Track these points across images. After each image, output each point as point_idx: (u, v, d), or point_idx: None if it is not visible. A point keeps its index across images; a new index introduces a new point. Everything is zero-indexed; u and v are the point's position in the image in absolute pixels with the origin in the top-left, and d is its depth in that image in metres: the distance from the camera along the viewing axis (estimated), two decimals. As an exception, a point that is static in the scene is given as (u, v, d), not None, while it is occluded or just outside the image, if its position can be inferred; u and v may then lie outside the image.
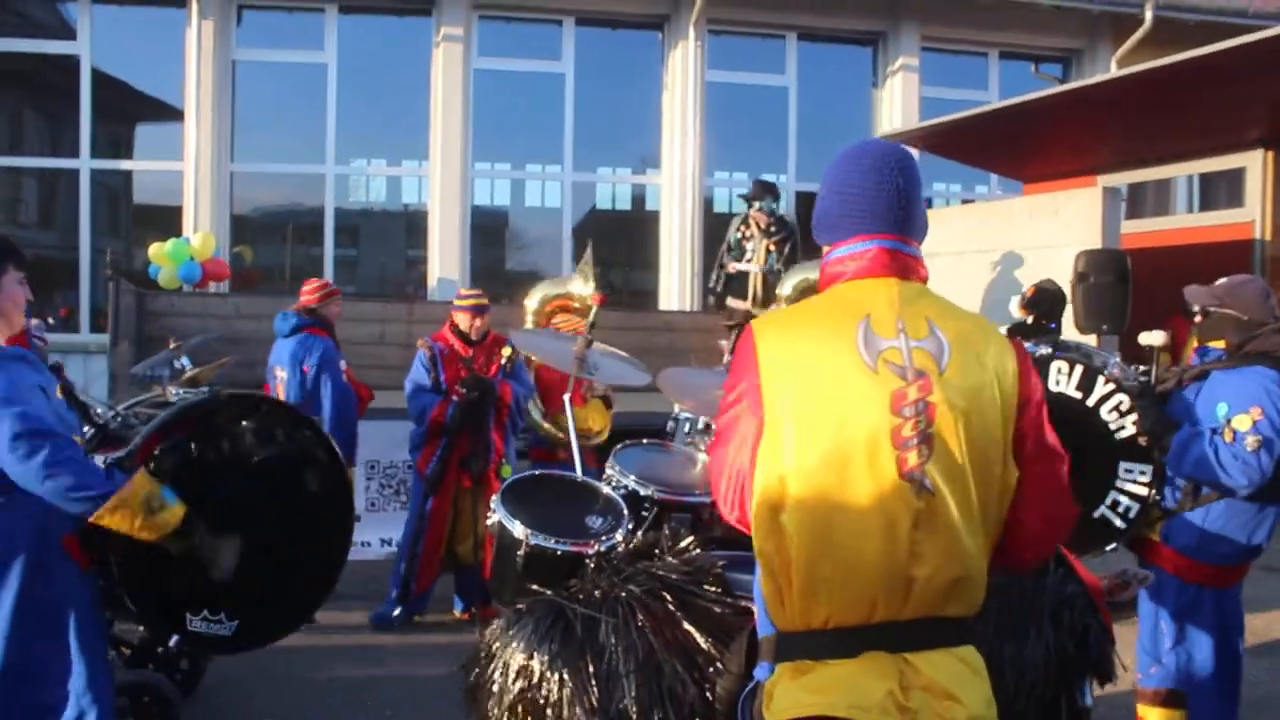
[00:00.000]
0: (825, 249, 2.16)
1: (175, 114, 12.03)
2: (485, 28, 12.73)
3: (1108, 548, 3.92)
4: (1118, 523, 3.84)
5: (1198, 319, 4.00)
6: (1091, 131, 10.42)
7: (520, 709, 2.74)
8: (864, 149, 2.13)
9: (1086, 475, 3.82)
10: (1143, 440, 3.78)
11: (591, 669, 2.68)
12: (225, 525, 3.64)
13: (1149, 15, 12.53)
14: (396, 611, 6.23)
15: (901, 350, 1.94)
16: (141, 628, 4.19)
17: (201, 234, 10.97)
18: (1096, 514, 3.86)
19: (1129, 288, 8.15)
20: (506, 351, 6.21)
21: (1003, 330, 4.22)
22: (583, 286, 8.35)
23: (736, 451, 2.02)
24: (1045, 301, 4.31)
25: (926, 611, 1.92)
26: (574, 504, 3.55)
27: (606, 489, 3.63)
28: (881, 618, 1.90)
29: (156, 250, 10.62)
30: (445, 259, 12.21)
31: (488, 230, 13.37)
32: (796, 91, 13.27)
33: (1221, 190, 11.23)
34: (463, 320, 6.38)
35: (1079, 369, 3.85)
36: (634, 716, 2.61)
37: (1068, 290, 8.53)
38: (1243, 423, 3.55)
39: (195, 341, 5.61)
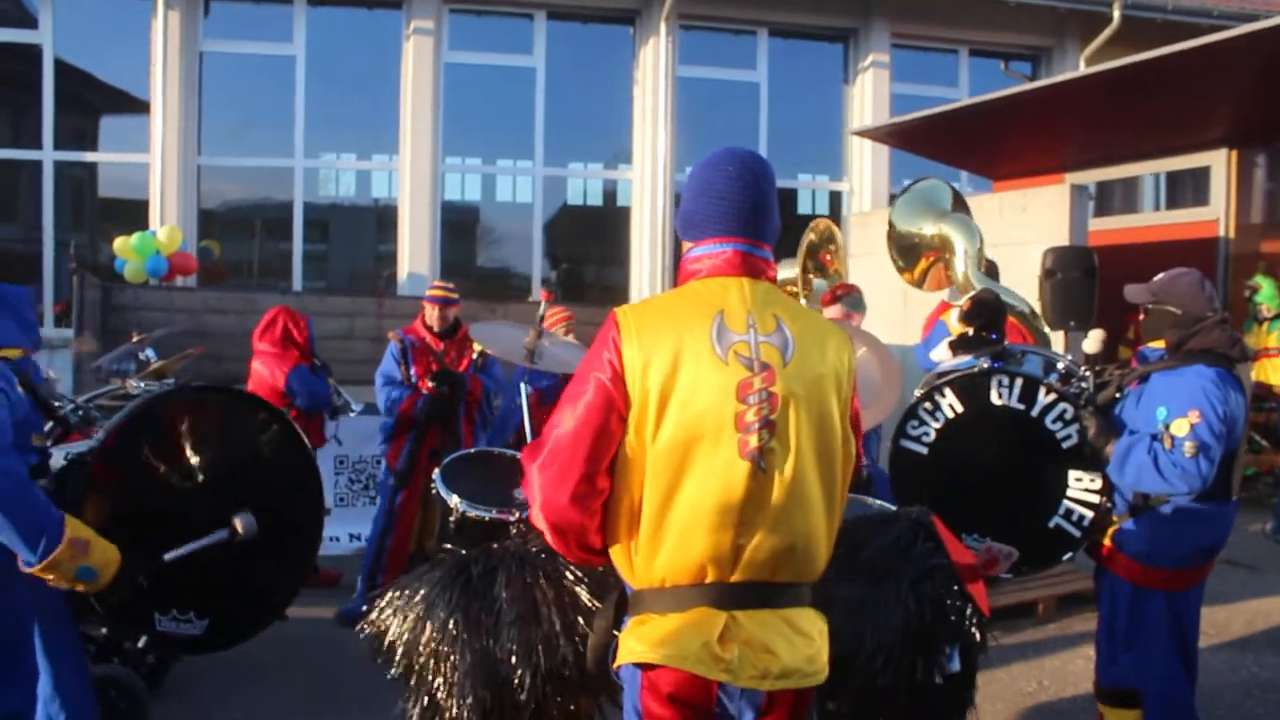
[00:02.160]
0: (687, 246, 2.37)
1: (141, 106, 11.89)
2: (456, 21, 12.66)
3: (1064, 557, 3.93)
4: (1073, 531, 3.85)
5: (1141, 318, 3.92)
6: (1060, 129, 10.49)
7: (422, 651, 3.04)
8: (730, 156, 2.34)
9: (1038, 486, 3.86)
10: (1087, 449, 3.77)
11: (482, 616, 2.98)
12: (192, 522, 3.58)
13: (1117, 14, 12.63)
14: (365, 607, 6.17)
15: (750, 344, 2.18)
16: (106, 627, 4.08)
17: (168, 228, 10.85)
18: (1051, 524, 3.86)
19: (1095, 284, 8.21)
20: (478, 346, 6.13)
21: (944, 344, 4.23)
22: (789, 270, 7.76)
23: (577, 431, 2.16)
24: (984, 313, 4.30)
25: (754, 576, 2.16)
26: (508, 478, 4.00)
27: None
28: (712, 579, 2.15)
29: (122, 244, 10.50)
30: (415, 254, 12.15)
31: (458, 225, 13.31)
32: (767, 87, 13.28)
33: (1189, 188, 11.35)
34: (429, 311, 6.29)
35: (1019, 382, 3.86)
36: (512, 661, 2.92)
37: (1035, 287, 8.63)
38: (1180, 427, 3.49)
39: (160, 334, 5.53)
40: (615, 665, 2.25)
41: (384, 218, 12.74)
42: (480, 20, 12.84)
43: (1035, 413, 3.83)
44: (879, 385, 4.48)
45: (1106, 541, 3.83)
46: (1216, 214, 10.06)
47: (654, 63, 12.75)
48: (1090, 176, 11.20)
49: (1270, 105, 9.30)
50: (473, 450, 4.74)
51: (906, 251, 7.53)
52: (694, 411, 2.12)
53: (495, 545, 3.28)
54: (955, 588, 3.06)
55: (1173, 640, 3.76)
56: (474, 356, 6.18)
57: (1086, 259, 8.27)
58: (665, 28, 12.65)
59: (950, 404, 3.95)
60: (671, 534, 2.13)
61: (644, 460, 2.14)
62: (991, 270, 7.43)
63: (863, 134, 12.23)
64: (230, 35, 12.20)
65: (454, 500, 3.80)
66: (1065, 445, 3.81)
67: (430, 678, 3.08)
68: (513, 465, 4.25)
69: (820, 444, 2.21)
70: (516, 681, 2.94)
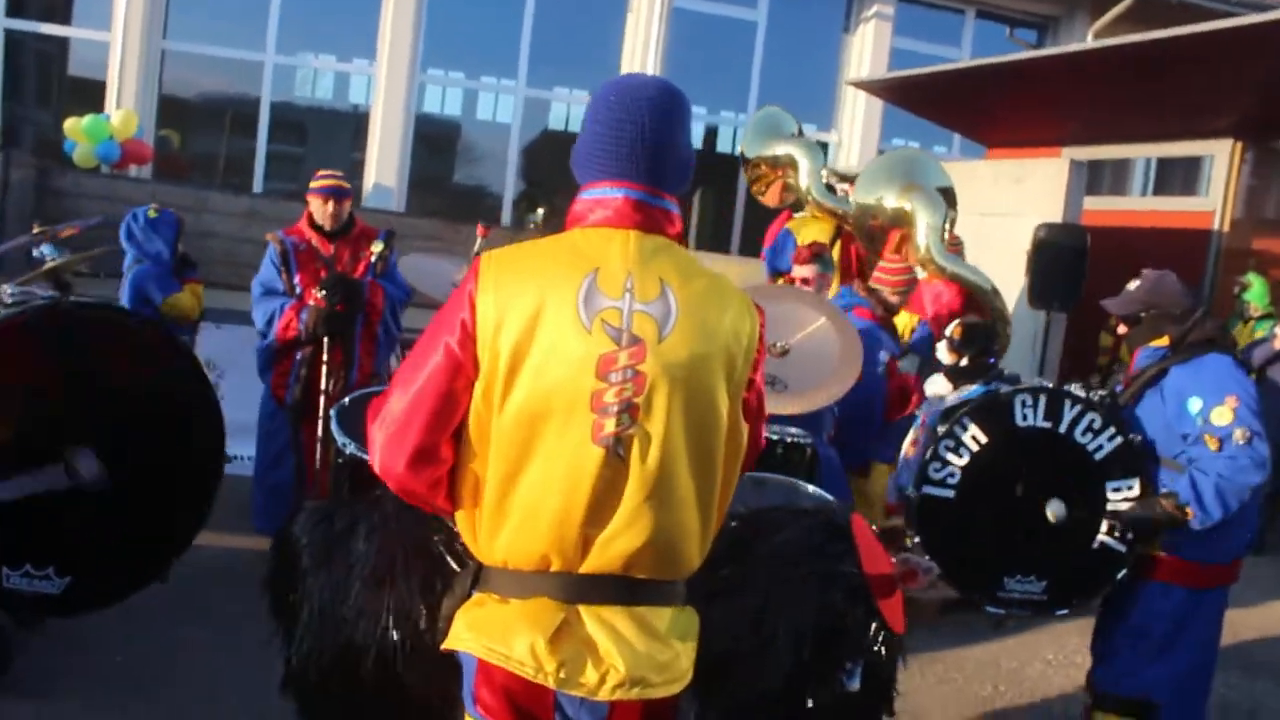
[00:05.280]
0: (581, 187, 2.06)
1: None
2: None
3: (1119, 575, 3.68)
4: (1118, 547, 3.62)
5: (1121, 330, 3.93)
6: (1061, 102, 10.12)
7: (290, 598, 2.90)
8: (615, 85, 2.02)
9: (1075, 507, 3.59)
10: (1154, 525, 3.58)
11: (338, 570, 2.81)
12: (55, 456, 3.14)
13: (1131, -11, 12.27)
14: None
15: (622, 312, 1.88)
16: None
17: (123, 112, 10.30)
18: (1095, 544, 3.63)
19: (1085, 265, 7.96)
20: (377, 248, 5.12)
21: (940, 377, 3.87)
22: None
23: (417, 396, 1.93)
24: (978, 338, 4.02)
25: (606, 569, 1.92)
26: None
27: None
28: (557, 569, 1.92)
29: (72, 125, 9.95)
30: (384, 165, 11.66)
31: (432, 140, 12.83)
32: (765, 28, 12.82)
33: (1178, 175, 11.07)
34: (315, 206, 5.15)
35: (1043, 398, 3.59)
36: (362, 620, 2.73)
37: (1024, 262, 8.35)
38: (1222, 415, 3.41)
39: (65, 227, 4.79)
40: (443, 647, 2.04)
41: (361, 125, 12.20)
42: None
43: (1064, 428, 3.57)
44: (835, 359, 4.11)
45: (1157, 550, 3.67)
46: (1213, 205, 9.76)
47: (651, -10, 12.24)
48: (1087, 153, 10.83)
49: (1280, 99, 9.00)
50: (376, 388, 4.12)
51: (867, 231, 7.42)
52: (546, 382, 1.86)
53: (365, 497, 3.02)
54: (859, 599, 2.82)
55: (1205, 647, 3.73)
56: (372, 259, 5.17)
57: (1079, 237, 8.00)
58: (666, -45, 12.13)
59: (973, 435, 3.59)
60: (514, 515, 1.91)
61: (490, 429, 1.90)
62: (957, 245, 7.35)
63: (858, 85, 11.83)
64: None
65: (342, 442, 3.51)
66: (1098, 457, 3.59)
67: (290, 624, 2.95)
68: None
69: (696, 433, 1.93)
70: (359, 645, 2.73)
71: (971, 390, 3.78)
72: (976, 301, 6.84)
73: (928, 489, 3.64)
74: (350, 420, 3.61)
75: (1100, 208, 10.66)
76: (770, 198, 8.04)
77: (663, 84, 2.02)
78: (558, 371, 1.86)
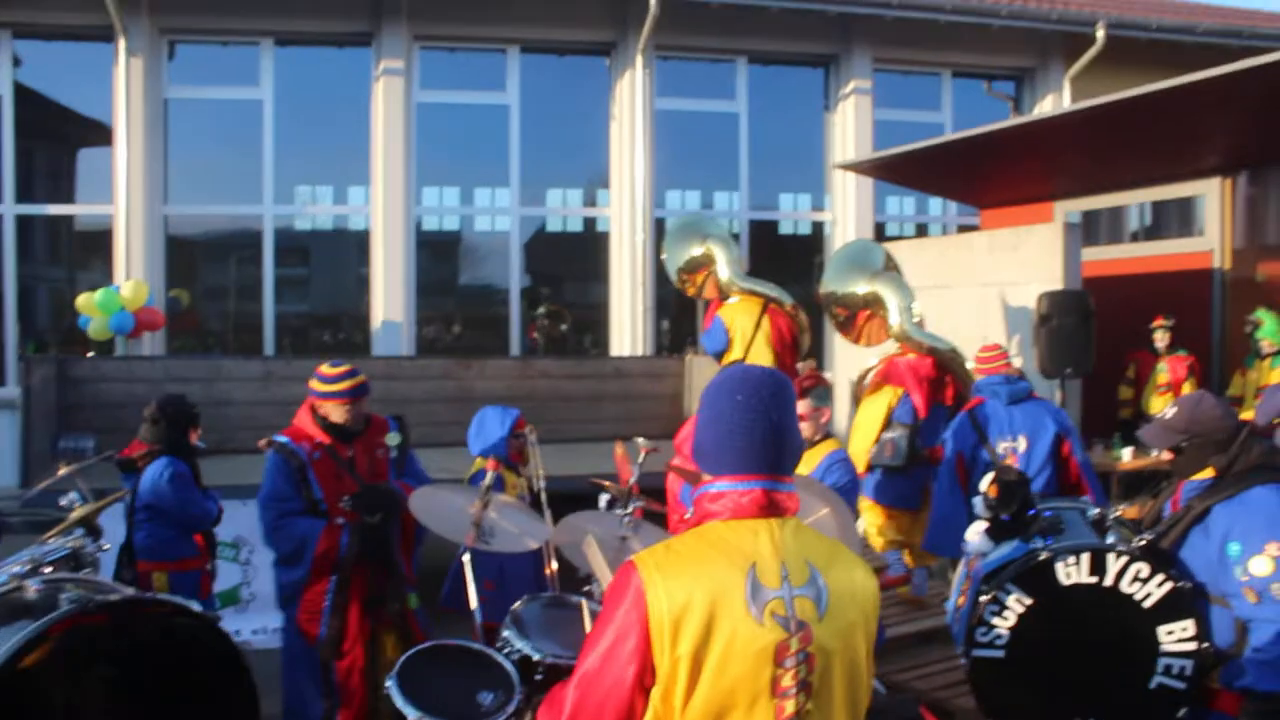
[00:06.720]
0: (706, 477, 2.20)
1: (106, 148, 11.57)
2: (427, 58, 12.37)
3: (1179, 715, 3.67)
4: (1177, 684, 3.59)
5: (1165, 455, 3.78)
6: (1048, 160, 10.25)
7: None
8: (740, 382, 2.17)
9: (1130, 652, 3.59)
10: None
11: None
12: None
13: (1100, 34, 12.43)
14: None
15: (785, 600, 2.05)
16: None
17: (133, 282, 10.52)
18: (1153, 685, 3.60)
19: (1092, 328, 8.00)
20: (392, 439, 4.60)
21: (983, 533, 3.84)
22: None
23: (597, 710, 2.03)
24: (1016, 494, 3.93)
25: None
26: (469, 677, 3.54)
27: (500, 658, 3.60)
28: None
29: (85, 301, 10.18)
30: (391, 302, 11.83)
31: (435, 266, 13.05)
32: (748, 117, 13.02)
33: (1173, 217, 11.12)
34: (335, 411, 4.47)
35: (1085, 557, 3.60)
36: None
37: (1026, 328, 8.40)
38: (1262, 566, 3.30)
39: (84, 459, 4.79)
40: None
41: (364, 250, 12.37)
42: (452, 56, 12.57)
43: (1109, 580, 3.57)
44: None
45: (1214, 684, 3.56)
46: (1211, 244, 9.82)
47: (631, 96, 12.47)
48: (1080, 205, 10.96)
49: (1263, 134, 9.07)
50: (428, 644, 3.80)
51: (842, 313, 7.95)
52: (729, 679, 2.00)
53: None
54: None
55: None
56: (391, 455, 4.61)
57: (1083, 303, 8.04)
58: (642, 59, 12.37)
59: (1017, 599, 3.62)
60: None
61: None
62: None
63: (846, 167, 11.98)
64: (196, 80, 11.89)
65: (412, 715, 3.31)
66: (1146, 604, 3.55)
67: None
68: (474, 660, 3.67)
69: (850, 690, 2.13)
70: None
71: (1010, 550, 3.75)
72: (946, 363, 7.21)
73: (977, 652, 3.64)
74: (416, 685, 3.40)
75: (1100, 257, 10.73)
76: (708, 292, 8.40)
77: (776, 377, 2.19)
78: (739, 667, 1.99)
